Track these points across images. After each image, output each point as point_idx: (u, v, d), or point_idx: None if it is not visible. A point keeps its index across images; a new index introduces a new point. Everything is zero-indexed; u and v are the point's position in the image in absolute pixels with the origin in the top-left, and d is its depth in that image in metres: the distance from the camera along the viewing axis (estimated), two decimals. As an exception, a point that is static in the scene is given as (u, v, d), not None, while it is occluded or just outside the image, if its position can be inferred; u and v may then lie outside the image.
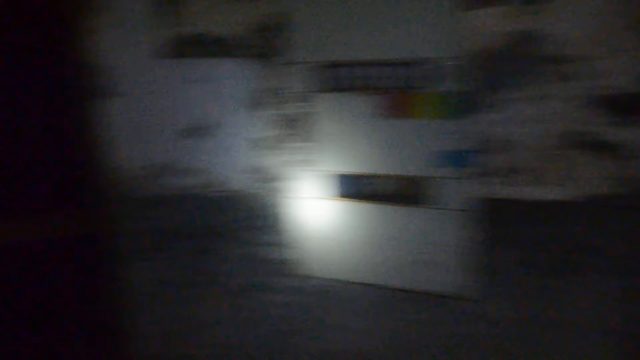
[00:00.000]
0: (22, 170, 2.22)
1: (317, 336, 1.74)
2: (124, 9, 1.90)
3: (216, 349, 1.85)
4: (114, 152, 1.95)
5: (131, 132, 1.93)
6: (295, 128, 1.86)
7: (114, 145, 1.95)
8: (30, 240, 2.07)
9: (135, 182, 1.93)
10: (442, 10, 1.70)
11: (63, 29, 1.91)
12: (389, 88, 1.86)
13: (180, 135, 1.96)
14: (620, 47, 1.94)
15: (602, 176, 2.08)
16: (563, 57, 1.99)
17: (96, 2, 1.85)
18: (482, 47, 1.88)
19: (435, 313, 1.80)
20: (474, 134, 1.83)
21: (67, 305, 2.28)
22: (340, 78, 1.88)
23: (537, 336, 1.60)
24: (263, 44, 1.97)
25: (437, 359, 1.53)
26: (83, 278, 2.17)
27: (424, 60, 1.77)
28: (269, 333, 1.77)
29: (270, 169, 1.98)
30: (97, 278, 2.06)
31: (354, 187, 1.90)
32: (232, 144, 2.00)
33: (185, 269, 2.05)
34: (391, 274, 1.95)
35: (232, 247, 2.02)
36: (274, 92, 1.94)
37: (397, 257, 1.93)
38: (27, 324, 2.16)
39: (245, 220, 2.01)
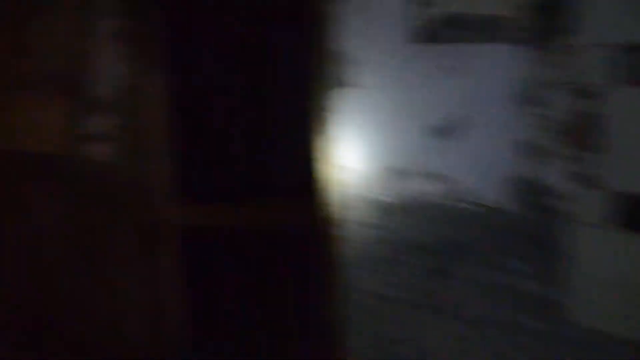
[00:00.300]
0: (255, 158, 2.15)
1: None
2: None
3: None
4: (349, 149, 1.77)
5: (370, 127, 1.71)
6: (578, 131, 1.44)
7: (350, 141, 1.77)
8: (252, 227, 2.00)
9: (369, 183, 1.70)
10: None
11: (304, 15, 1.73)
12: None
13: (426, 134, 1.68)
14: None
15: None
16: None
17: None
18: None
19: None
20: None
21: (279, 296, 2.15)
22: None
23: None
24: (539, 24, 1.58)
25: None
26: (297, 275, 2.02)
27: None
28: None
29: (537, 182, 1.59)
30: (312, 278, 1.89)
31: (659, 217, 1.40)
32: (489, 147, 1.65)
33: (413, 288, 1.80)
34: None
35: (475, 271, 1.69)
36: (552, 85, 1.54)
37: None
38: (238, 309, 2.05)
39: (497, 241, 1.66)
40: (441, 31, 1.69)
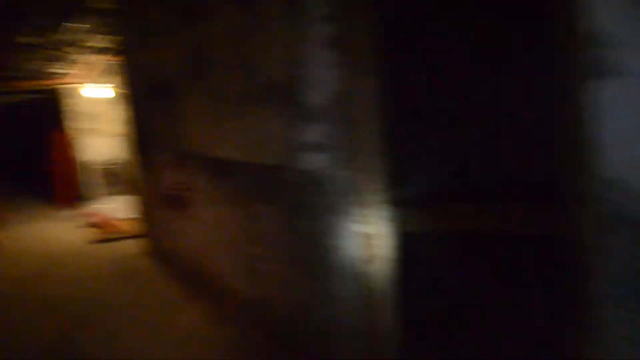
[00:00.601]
0: (484, 160, 1.88)
1: None
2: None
3: None
4: (612, 154, 1.39)
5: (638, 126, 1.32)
6: None
7: (614, 144, 1.39)
8: (475, 233, 1.75)
9: (637, 197, 1.32)
10: None
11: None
12: None
13: None
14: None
15: None
16: None
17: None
18: None
19: None
20: None
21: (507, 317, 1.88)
22: None
23: None
24: None
25: None
26: (535, 298, 1.73)
27: None
28: None
29: None
30: (555, 307, 1.59)
31: None
32: None
33: None
34: None
35: None
36: None
37: None
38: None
39: None
40: None
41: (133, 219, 6.79)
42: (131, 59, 5.36)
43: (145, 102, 5.09)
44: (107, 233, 7.11)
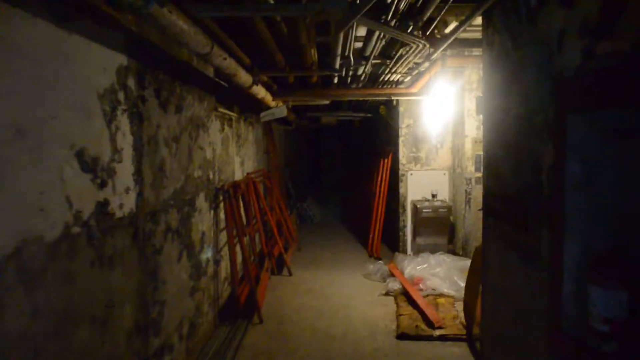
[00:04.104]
0: None
1: None
2: None
3: None
4: None
5: None
6: None
7: None
8: None
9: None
10: None
11: None
12: None
13: None
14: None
15: None
16: None
17: None
18: None
19: None
20: None
21: None
22: None
23: None
24: None
25: None
26: None
27: None
28: None
29: None
30: None
31: None
32: None
33: None
34: None
35: None
36: None
37: None
38: None
39: None
40: None
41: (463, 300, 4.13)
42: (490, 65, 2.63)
43: (493, 126, 2.27)
44: (420, 321, 4.53)
